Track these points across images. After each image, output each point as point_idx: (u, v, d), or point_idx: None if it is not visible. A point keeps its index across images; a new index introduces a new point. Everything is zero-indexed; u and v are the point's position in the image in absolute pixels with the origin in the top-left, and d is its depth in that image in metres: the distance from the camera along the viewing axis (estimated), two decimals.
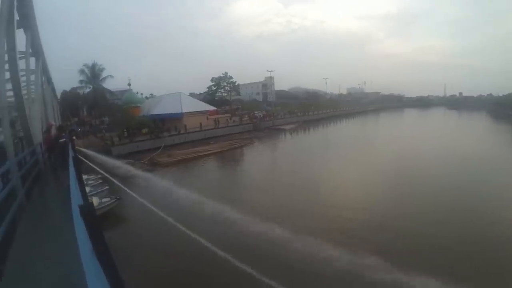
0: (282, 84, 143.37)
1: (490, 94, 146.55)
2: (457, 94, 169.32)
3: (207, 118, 57.26)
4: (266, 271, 10.59)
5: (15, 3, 6.83)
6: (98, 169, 22.11)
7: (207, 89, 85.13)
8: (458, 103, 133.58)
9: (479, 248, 13.07)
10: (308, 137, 58.64)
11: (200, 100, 69.82)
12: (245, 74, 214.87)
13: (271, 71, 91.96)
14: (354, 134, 56.84)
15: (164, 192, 19.11)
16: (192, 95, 77.63)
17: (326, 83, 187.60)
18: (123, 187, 19.38)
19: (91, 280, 1.80)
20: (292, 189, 22.95)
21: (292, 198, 20.78)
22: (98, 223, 2.56)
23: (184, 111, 54.02)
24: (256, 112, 71.47)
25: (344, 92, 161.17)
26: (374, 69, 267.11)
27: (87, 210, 2.50)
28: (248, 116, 67.75)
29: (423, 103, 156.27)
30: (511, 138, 44.37)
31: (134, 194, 17.91)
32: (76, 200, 3.56)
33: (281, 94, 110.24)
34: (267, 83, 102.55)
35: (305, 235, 12.73)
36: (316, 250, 11.67)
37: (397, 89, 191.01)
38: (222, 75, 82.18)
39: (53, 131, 10.93)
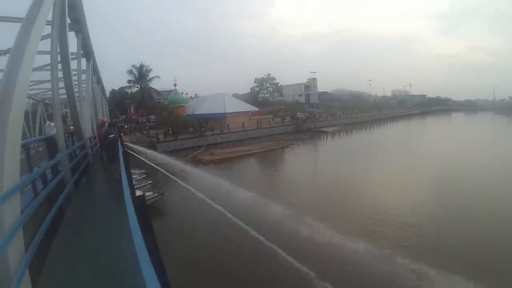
0: (325, 85, 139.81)
1: None
2: (507, 98, 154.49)
3: (250, 119, 57.72)
4: None
5: (67, 9, 7.40)
6: (147, 160, 23.30)
7: (250, 90, 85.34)
8: (508, 108, 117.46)
9: None
10: (350, 140, 56.54)
11: (243, 101, 70.74)
12: (288, 75, 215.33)
13: (314, 72, 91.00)
14: (399, 139, 53.24)
15: (203, 187, 19.56)
16: (235, 95, 78.66)
17: (370, 84, 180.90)
18: (172, 176, 20.35)
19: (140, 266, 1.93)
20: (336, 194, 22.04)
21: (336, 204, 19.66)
22: (148, 213, 2.77)
23: (227, 111, 55.01)
24: (298, 113, 70.86)
25: (389, 94, 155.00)
26: (421, 71, 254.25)
27: (139, 201, 2.71)
28: (291, 118, 67.25)
29: (470, 107, 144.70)
30: None
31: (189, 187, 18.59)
32: (126, 191, 3.87)
33: (324, 96, 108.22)
34: (309, 85, 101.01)
35: None
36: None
37: (444, 92, 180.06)
38: (265, 76, 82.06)
39: (105, 127, 11.69)
